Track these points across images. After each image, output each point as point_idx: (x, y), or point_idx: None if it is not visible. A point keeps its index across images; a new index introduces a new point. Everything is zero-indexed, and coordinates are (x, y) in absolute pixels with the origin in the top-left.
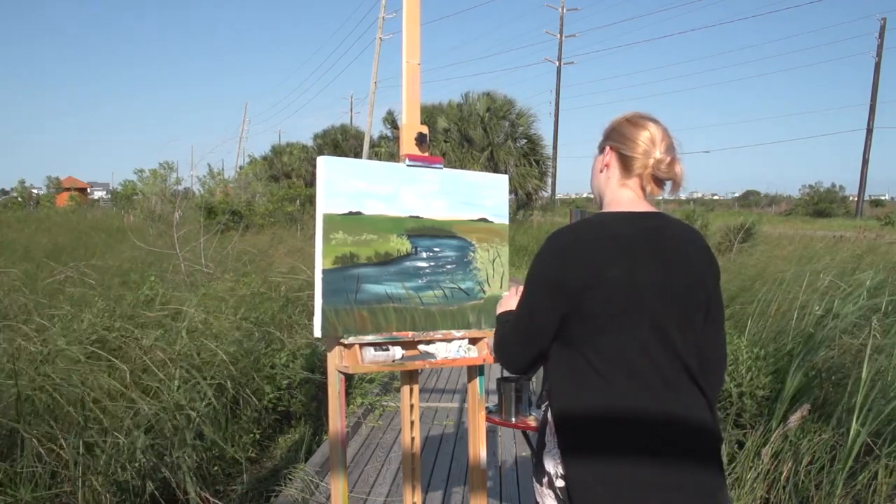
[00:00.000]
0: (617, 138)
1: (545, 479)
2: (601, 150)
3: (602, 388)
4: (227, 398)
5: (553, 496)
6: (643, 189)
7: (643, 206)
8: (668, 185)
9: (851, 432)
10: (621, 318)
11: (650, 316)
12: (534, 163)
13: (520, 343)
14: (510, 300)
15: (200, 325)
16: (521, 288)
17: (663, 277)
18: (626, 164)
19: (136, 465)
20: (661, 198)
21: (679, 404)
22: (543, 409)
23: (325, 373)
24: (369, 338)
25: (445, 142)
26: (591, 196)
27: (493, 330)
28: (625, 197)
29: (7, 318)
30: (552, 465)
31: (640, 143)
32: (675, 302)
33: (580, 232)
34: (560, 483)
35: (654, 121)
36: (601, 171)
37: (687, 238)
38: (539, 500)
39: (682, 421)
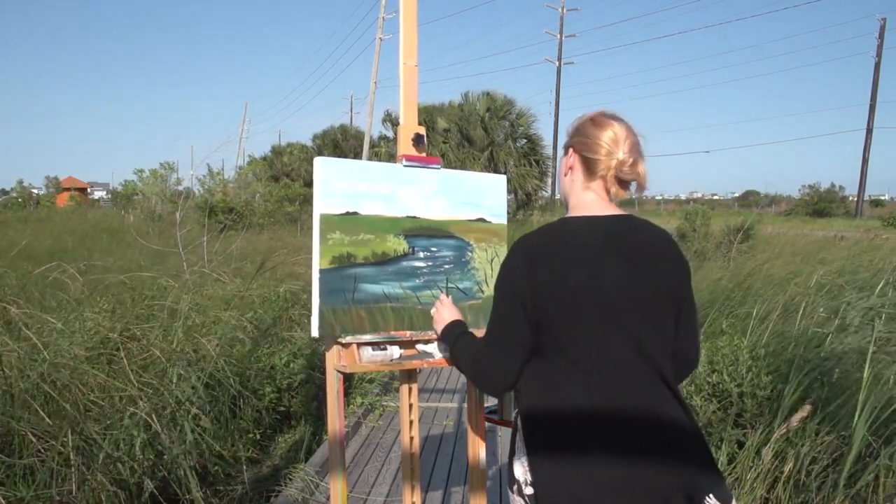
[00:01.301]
0: (580, 140)
1: (515, 487)
2: (565, 151)
3: (570, 390)
4: (226, 397)
5: (523, 503)
6: (607, 191)
7: (609, 209)
8: (634, 186)
9: (855, 434)
10: (588, 324)
11: (618, 321)
12: (534, 163)
13: (497, 356)
14: (443, 313)
15: (198, 322)
16: (448, 299)
17: (630, 281)
18: (588, 166)
19: (135, 463)
20: (659, 198)
21: (649, 405)
22: (515, 415)
23: (324, 372)
24: (367, 337)
25: (444, 142)
26: (559, 187)
27: (434, 321)
28: (589, 200)
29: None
30: (521, 472)
31: (603, 144)
32: (644, 306)
33: (543, 238)
34: (529, 490)
35: (619, 120)
36: (566, 175)
37: (655, 240)
38: None
39: (652, 421)
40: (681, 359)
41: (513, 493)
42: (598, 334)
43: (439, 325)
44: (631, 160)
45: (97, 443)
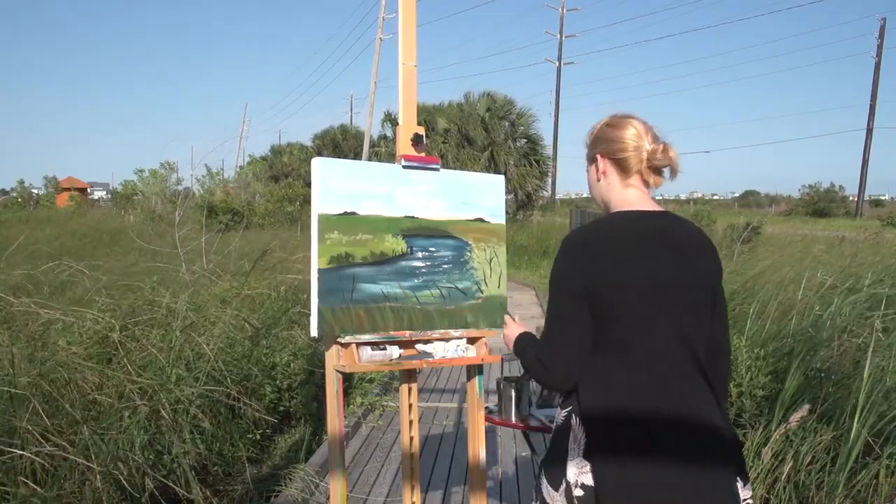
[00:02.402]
0: (604, 145)
1: (562, 487)
2: (591, 160)
3: (630, 387)
4: (224, 395)
5: (567, 502)
6: (646, 184)
7: (650, 205)
8: (667, 172)
9: (852, 432)
10: (646, 315)
11: (670, 312)
12: (534, 163)
13: (559, 352)
14: (515, 329)
15: (196, 322)
16: (511, 320)
17: (678, 275)
18: (621, 165)
19: (136, 463)
20: (660, 197)
21: (698, 402)
22: (564, 414)
23: (324, 373)
24: (366, 337)
25: (444, 142)
26: (592, 195)
27: (492, 330)
28: (632, 196)
29: (10, 319)
30: (574, 473)
31: (629, 141)
32: (688, 298)
33: (597, 232)
34: (579, 492)
35: (634, 117)
36: (599, 181)
37: (693, 235)
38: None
39: (707, 422)
40: (716, 349)
41: (557, 492)
42: (654, 326)
43: (510, 344)
44: (661, 147)
45: (96, 443)
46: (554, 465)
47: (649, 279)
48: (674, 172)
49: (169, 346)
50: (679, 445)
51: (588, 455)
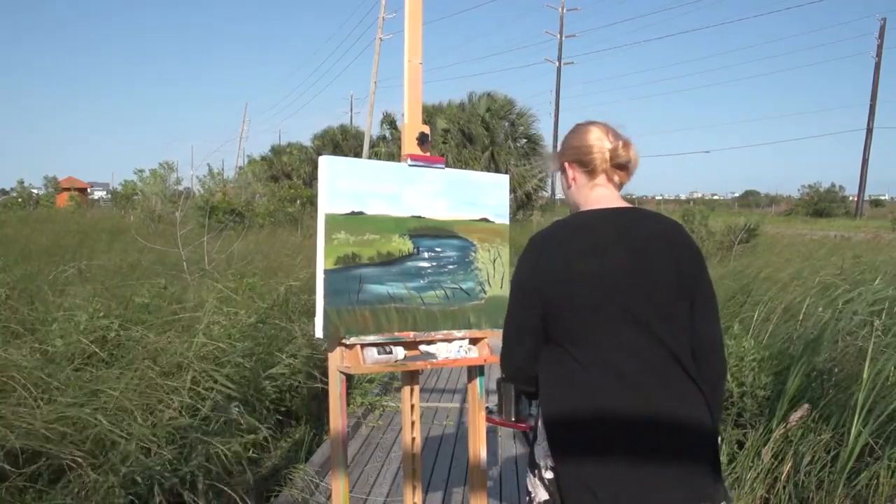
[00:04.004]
0: (570, 152)
1: (536, 471)
2: (562, 170)
3: (586, 384)
4: (237, 398)
5: (543, 486)
6: (612, 182)
7: (617, 203)
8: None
9: (853, 432)
10: (598, 312)
11: (628, 309)
12: (534, 163)
13: (509, 347)
14: None
15: (221, 323)
16: None
17: (636, 270)
18: (588, 167)
19: (148, 476)
20: (659, 198)
21: (667, 398)
22: (537, 403)
23: (325, 373)
24: (371, 338)
25: (444, 143)
26: (567, 203)
27: (494, 330)
28: (598, 195)
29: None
30: (542, 458)
31: (592, 142)
32: (652, 293)
33: (552, 232)
34: (549, 475)
35: (596, 122)
36: (570, 187)
37: (662, 230)
38: (531, 490)
39: (669, 417)
40: (703, 345)
41: (534, 476)
42: (606, 320)
43: None
44: (621, 143)
45: (107, 458)
46: (531, 452)
47: (598, 273)
48: (633, 168)
49: (190, 351)
50: (638, 443)
51: (549, 443)
